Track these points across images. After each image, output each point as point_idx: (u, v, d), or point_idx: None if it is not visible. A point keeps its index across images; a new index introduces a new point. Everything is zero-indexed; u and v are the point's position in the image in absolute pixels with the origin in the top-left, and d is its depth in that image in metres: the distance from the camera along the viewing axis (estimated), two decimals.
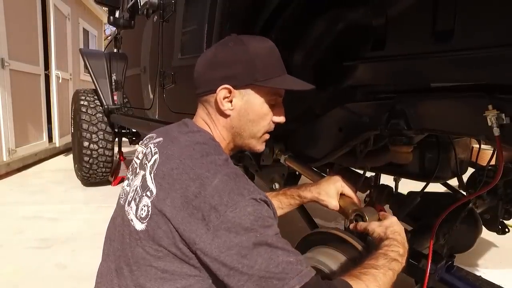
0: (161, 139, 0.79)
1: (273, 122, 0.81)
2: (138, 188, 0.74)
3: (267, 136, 0.83)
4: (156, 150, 0.75)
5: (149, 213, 0.68)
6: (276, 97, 0.79)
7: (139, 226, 0.70)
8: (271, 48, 0.78)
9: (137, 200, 0.73)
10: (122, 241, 0.74)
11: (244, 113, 0.77)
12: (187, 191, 0.64)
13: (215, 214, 0.61)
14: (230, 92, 0.75)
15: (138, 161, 0.80)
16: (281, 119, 0.82)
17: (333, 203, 0.89)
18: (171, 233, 0.65)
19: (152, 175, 0.72)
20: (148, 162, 0.75)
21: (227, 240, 0.60)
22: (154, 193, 0.69)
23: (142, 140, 0.87)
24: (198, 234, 0.62)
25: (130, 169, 0.83)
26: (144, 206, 0.70)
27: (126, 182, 0.83)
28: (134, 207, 0.73)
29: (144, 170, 0.75)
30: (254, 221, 0.61)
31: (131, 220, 0.73)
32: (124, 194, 0.80)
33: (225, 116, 0.77)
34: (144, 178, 0.74)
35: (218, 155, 0.72)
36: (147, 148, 0.79)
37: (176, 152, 0.72)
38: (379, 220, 0.84)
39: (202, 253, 0.62)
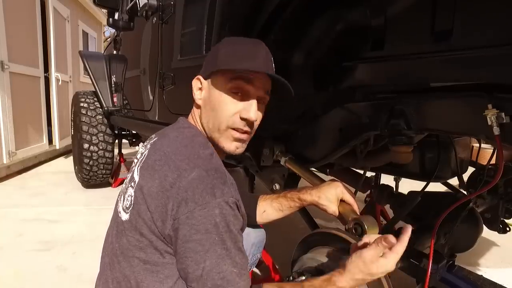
0: (156, 137, 0.83)
1: (241, 118, 0.76)
2: (127, 182, 0.79)
3: (234, 134, 0.77)
4: (149, 147, 0.79)
5: (132, 202, 0.71)
6: (240, 87, 0.74)
7: (124, 216, 0.73)
8: (251, 47, 0.77)
9: (124, 192, 0.77)
10: (113, 233, 0.78)
11: (208, 101, 0.79)
12: (164, 181, 0.66)
13: (184, 208, 0.63)
14: (201, 82, 0.80)
15: (136, 161, 0.83)
16: (247, 114, 0.75)
17: (332, 208, 0.89)
18: (149, 221, 0.67)
19: (139, 168, 0.75)
20: (141, 158, 0.79)
21: (187, 234, 0.63)
22: (137, 182, 0.72)
23: (143, 141, 0.90)
24: (165, 224, 0.65)
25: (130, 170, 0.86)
26: (129, 196, 0.73)
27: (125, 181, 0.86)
28: (122, 199, 0.77)
29: (136, 165, 0.79)
30: (218, 224, 0.63)
31: (119, 212, 0.76)
32: (121, 192, 0.83)
33: (198, 107, 0.82)
34: (133, 172, 0.77)
35: (203, 149, 0.74)
36: (145, 148, 0.83)
37: (164, 145, 0.75)
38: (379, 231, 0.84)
39: (170, 240, 0.66)
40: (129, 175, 0.80)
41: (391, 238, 0.67)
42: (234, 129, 0.77)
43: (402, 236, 0.67)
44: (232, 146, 0.79)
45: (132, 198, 0.71)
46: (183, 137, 0.76)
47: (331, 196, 0.89)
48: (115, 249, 0.74)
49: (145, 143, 0.86)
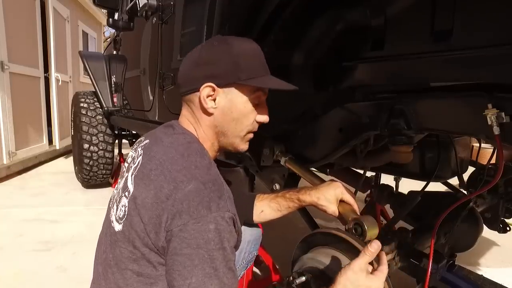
0: (147, 141, 0.80)
1: (257, 122, 0.82)
2: (120, 190, 0.76)
3: (250, 136, 0.84)
4: (141, 152, 0.77)
5: (126, 213, 0.69)
6: (260, 96, 0.80)
7: (118, 227, 0.71)
8: (255, 49, 0.79)
9: (118, 201, 0.75)
10: (106, 243, 0.76)
11: (228, 111, 0.77)
12: (160, 192, 0.65)
13: (178, 220, 0.62)
14: (213, 90, 0.75)
15: (126, 165, 0.82)
16: (264, 118, 0.82)
17: (332, 208, 0.88)
18: (142, 233, 0.66)
19: (133, 176, 0.73)
20: (133, 165, 0.76)
21: (178, 247, 0.62)
22: (131, 193, 0.70)
23: (133, 144, 0.88)
24: (159, 236, 0.64)
25: (120, 173, 0.85)
26: (123, 206, 0.71)
27: (116, 186, 0.84)
28: (115, 209, 0.75)
29: (128, 172, 0.76)
30: (210, 240, 0.62)
31: (112, 221, 0.75)
32: (112, 197, 0.82)
33: (209, 114, 0.78)
34: (126, 179, 0.75)
35: (200, 158, 0.72)
36: (135, 152, 0.81)
37: (158, 153, 0.72)
38: (379, 231, 0.84)
39: (163, 251, 0.65)
40: (122, 181, 0.78)
41: (375, 243, 0.70)
42: (250, 132, 0.83)
43: (380, 257, 0.72)
44: (247, 145, 0.85)
45: (126, 209, 0.70)
46: (179, 144, 0.74)
47: (331, 196, 0.89)
48: (109, 260, 0.73)
49: (135, 146, 0.84)
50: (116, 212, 0.74)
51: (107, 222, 0.78)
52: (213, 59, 0.76)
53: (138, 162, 0.75)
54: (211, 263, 0.62)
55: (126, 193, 0.72)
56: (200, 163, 0.70)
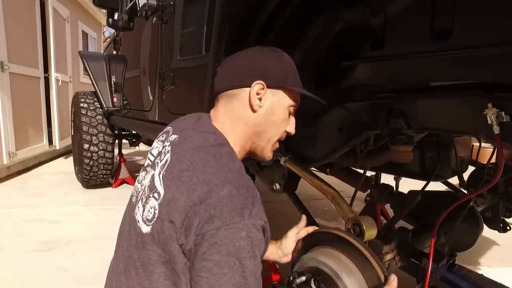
0: (176, 136, 0.78)
1: (286, 131, 0.85)
2: (146, 188, 0.74)
3: (277, 145, 0.86)
4: (169, 149, 0.75)
5: (155, 216, 0.67)
6: (295, 107, 0.84)
7: (145, 228, 0.69)
8: (294, 63, 0.84)
9: (144, 200, 0.72)
10: (130, 241, 0.74)
11: (270, 112, 0.79)
12: (193, 194, 0.63)
13: (210, 225, 0.60)
14: (263, 89, 0.77)
15: (152, 158, 0.80)
16: (292, 130, 0.86)
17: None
18: (173, 237, 0.64)
19: (161, 175, 0.71)
20: (160, 162, 0.75)
21: (207, 252, 0.60)
22: (162, 195, 0.68)
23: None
24: (188, 239, 0.62)
25: (144, 165, 0.84)
26: (151, 208, 0.69)
27: (138, 178, 0.82)
28: (141, 208, 0.73)
29: (154, 169, 0.75)
30: (241, 248, 0.60)
31: (138, 221, 0.73)
32: (136, 192, 0.80)
33: (253, 111, 0.78)
34: (153, 178, 0.73)
35: (232, 161, 0.71)
36: (163, 147, 0.79)
37: (188, 152, 0.71)
38: (377, 230, 0.85)
39: (190, 255, 0.63)
40: (147, 179, 0.75)
41: (393, 277, 0.76)
42: (279, 140, 0.85)
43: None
44: (272, 155, 0.87)
45: (156, 212, 0.68)
46: (209, 145, 0.72)
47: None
48: (134, 260, 0.71)
49: (162, 138, 0.82)
50: (143, 213, 0.71)
51: (131, 220, 0.76)
52: (265, 61, 0.79)
53: (166, 160, 0.73)
54: (241, 272, 0.60)
55: (156, 195, 0.69)
56: (233, 167, 0.69)
